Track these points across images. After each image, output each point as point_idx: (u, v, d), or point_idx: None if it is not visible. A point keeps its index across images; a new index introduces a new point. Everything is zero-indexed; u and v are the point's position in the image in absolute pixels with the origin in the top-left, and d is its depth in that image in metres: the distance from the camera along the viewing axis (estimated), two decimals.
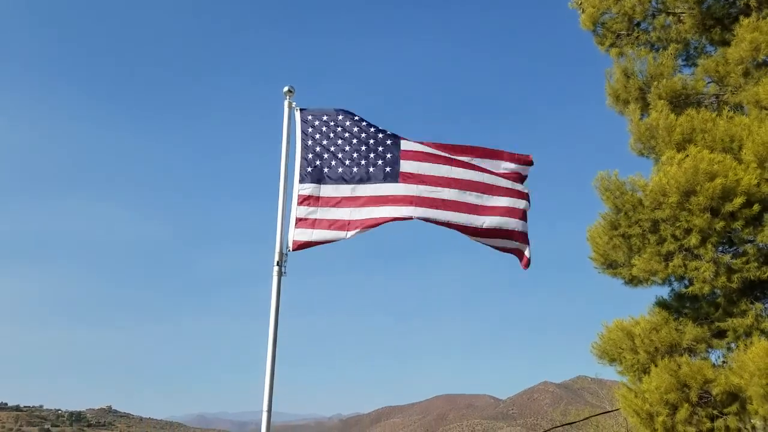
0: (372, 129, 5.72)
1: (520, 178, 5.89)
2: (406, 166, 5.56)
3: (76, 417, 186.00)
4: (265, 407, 4.79)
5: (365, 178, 5.49)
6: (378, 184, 5.47)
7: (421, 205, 5.42)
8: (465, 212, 5.46)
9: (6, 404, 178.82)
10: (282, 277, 5.13)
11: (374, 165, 5.51)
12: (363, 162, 5.53)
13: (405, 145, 5.68)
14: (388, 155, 5.59)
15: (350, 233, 5.30)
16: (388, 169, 5.53)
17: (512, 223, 5.59)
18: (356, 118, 5.74)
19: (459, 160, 5.70)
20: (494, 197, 5.61)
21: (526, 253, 5.66)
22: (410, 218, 5.38)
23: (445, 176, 5.56)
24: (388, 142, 5.67)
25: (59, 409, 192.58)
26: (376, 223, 5.34)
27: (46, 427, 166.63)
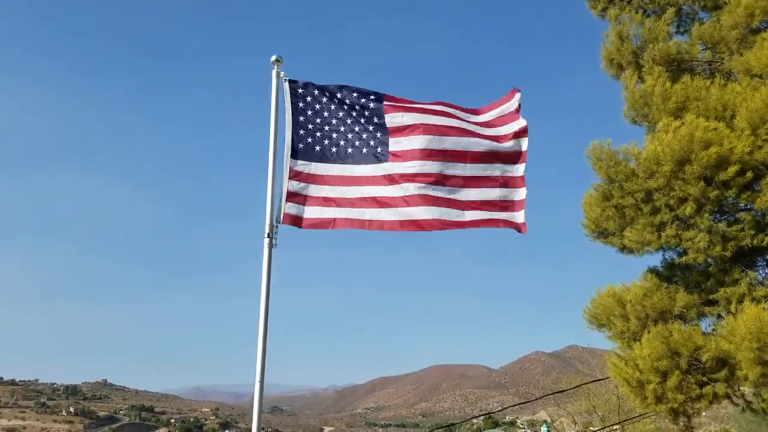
0: (359, 107, 5.70)
1: (510, 118, 5.87)
2: (394, 144, 5.59)
3: (72, 390, 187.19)
4: (257, 378, 4.78)
5: (358, 159, 5.53)
6: (369, 165, 5.52)
7: (411, 202, 5.47)
8: (445, 206, 5.52)
9: (1, 378, 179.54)
10: (273, 249, 5.09)
11: (367, 145, 5.59)
12: (357, 142, 5.60)
13: (390, 119, 5.68)
14: (378, 134, 5.62)
15: (340, 219, 5.36)
16: (379, 149, 5.56)
17: (494, 194, 5.65)
18: (346, 95, 5.71)
19: (438, 110, 5.75)
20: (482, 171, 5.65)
21: (519, 219, 5.65)
22: (398, 228, 5.43)
23: (438, 149, 5.59)
24: (376, 120, 5.68)
25: (55, 383, 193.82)
26: (363, 226, 5.40)
27: (41, 400, 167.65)
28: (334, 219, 5.36)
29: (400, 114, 5.67)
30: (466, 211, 5.52)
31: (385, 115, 5.60)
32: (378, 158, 5.52)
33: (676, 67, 8.86)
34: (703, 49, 8.94)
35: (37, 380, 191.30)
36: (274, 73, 5.49)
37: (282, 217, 5.21)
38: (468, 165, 5.62)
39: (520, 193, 5.69)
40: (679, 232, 7.71)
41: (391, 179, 5.46)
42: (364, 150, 5.55)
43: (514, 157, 5.74)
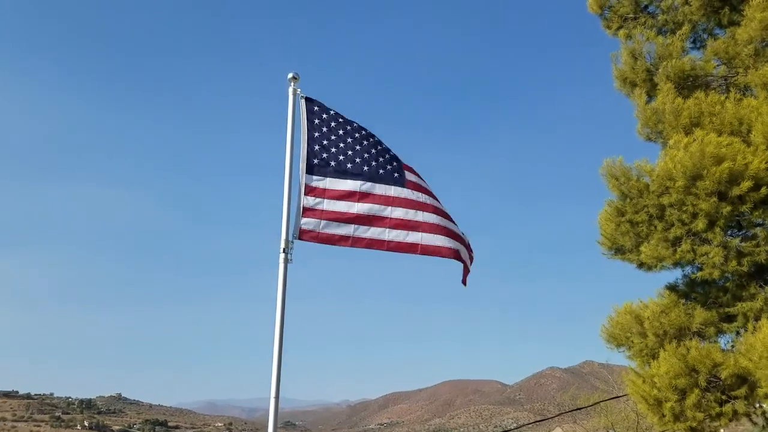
0: (373, 138, 5.96)
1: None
2: (410, 176, 5.89)
3: (87, 404, 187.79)
4: (272, 394, 4.80)
5: (375, 177, 5.67)
6: (387, 186, 5.68)
7: (425, 229, 5.74)
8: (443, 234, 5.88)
9: (17, 392, 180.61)
10: (288, 264, 5.13)
11: (383, 168, 5.72)
12: (374, 163, 5.72)
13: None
14: (394, 162, 5.87)
15: (355, 239, 5.51)
16: (396, 174, 5.77)
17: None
18: (356, 124, 6.00)
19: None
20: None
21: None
22: (414, 251, 5.68)
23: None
24: (391, 152, 5.96)
25: (69, 397, 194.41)
26: (381, 247, 5.58)
27: (56, 414, 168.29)
28: (351, 237, 5.43)
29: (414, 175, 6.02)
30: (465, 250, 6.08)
31: (404, 171, 5.97)
32: (395, 181, 5.69)
33: (691, 84, 8.86)
34: (718, 65, 8.94)
35: (52, 394, 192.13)
36: (290, 90, 5.56)
37: (298, 233, 5.25)
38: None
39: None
40: (694, 247, 7.68)
41: (409, 203, 5.65)
42: (381, 171, 5.69)
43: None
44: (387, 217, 5.54)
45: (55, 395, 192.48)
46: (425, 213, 5.64)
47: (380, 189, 5.60)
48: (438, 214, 5.73)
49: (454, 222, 6.06)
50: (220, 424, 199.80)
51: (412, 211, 5.56)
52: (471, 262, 6.27)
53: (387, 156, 5.76)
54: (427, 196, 5.76)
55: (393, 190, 5.63)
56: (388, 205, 5.56)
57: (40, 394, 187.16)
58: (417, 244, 5.58)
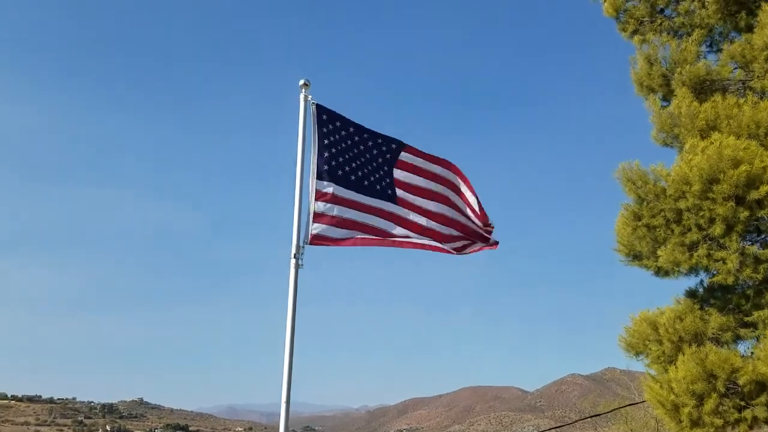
0: (375, 150, 6.12)
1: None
2: (400, 194, 6.12)
3: (109, 409, 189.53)
4: (283, 399, 4.83)
5: (372, 192, 5.89)
6: (382, 201, 5.95)
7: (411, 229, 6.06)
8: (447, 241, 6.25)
9: (40, 397, 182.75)
10: (299, 270, 5.17)
11: (380, 183, 6.03)
12: (372, 178, 5.98)
13: (398, 173, 6.21)
14: (387, 179, 6.09)
15: (363, 239, 5.68)
16: (389, 191, 6.02)
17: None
18: (365, 135, 6.09)
19: (445, 178, 6.38)
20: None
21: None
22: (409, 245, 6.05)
23: (433, 211, 6.26)
24: (386, 168, 6.15)
25: (92, 401, 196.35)
26: (384, 244, 5.78)
27: (79, 419, 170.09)
28: (357, 239, 5.60)
29: (409, 174, 6.21)
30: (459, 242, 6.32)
31: (394, 169, 6.12)
32: (388, 198, 6.00)
33: (707, 88, 8.78)
34: (734, 69, 8.85)
35: (74, 398, 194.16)
36: (302, 96, 5.62)
37: (309, 238, 5.30)
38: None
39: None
40: (711, 252, 7.60)
41: (401, 220, 5.98)
42: (378, 187, 5.91)
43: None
44: (386, 231, 5.87)
45: (77, 400, 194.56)
46: (413, 233, 6.01)
47: (377, 203, 5.86)
48: (428, 235, 6.04)
49: (460, 221, 6.31)
50: (239, 429, 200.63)
51: (401, 229, 5.99)
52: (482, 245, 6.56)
53: (381, 173, 5.99)
54: (416, 215, 6.04)
55: (387, 206, 5.94)
56: (385, 219, 5.88)
57: (62, 399, 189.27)
58: (419, 243, 6.01)
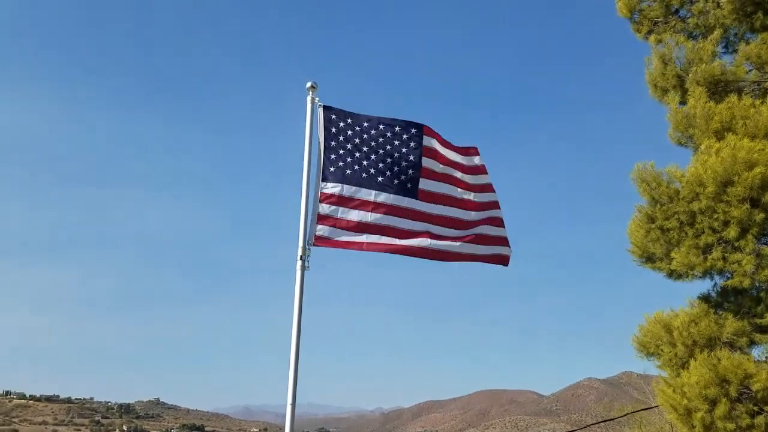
0: (396, 141, 5.89)
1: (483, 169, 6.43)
2: (424, 184, 5.85)
3: (126, 409, 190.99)
4: (289, 401, 4.82)
5: (388, 188, 5.71)
6: (399, 197, 5.71)
7: (433, 237, 5.76)
8: (467, 241, 5.96)
9: (58, 396, 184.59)
10: (305, 271, 5.17)
11: (398, 177, 5.74)
12: (388, 173, 5.76)
13: (426, 162, 5.97)
14: (410, 171, 5.83)
15: (369, 243, 5.53)
16: (409, 185, 5.78)
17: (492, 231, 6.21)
18: (381, 126, 5.87)
19: (466, 183, 6.18)
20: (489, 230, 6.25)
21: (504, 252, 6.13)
22: (422, 254, 5.68)
23: (456, 197, 6.04)
24: (411, 157, 5.88)
25: (109, 402, 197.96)
26: (391, 250, 5.61)
27: (96, 419, 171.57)
28: (364, 243, 5.47)
29: (434, 161, 6.01)
30: (480, 245, 6.02)
31: (421, 179, 5.87)
32: (407, 192, 5.69)
33: (723, 88, 8.68)
34: (750, 69, 8.74)
35: (92, 398, 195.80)
36: (309, 98, 5.61)
37: (313, 240, 5.29)
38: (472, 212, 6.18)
39: (502, 231, 6.32)
40: (725, 255, 7.50)
41: (419, 215, 5.70)
42: (395, 181, 5.71)
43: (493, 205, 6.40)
44: (398, 228, 5.59)
45: (95, 400, 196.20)
46: (435, 226, 5.72)
47: (391, 199, 5.63)
48: (450, 226, 5.78)
49: (481, 221, 6.15)
50: (255, 430, 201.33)
51: (420, 224, 5.64)
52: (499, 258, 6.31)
53: (402, 164, 5.75)
54: (441, 206, 5.79)
55: (401, 200, 5.68)
56: (399, 216, 5.62)
57: (80, 399, 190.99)
58: (427, 249, 5.65)
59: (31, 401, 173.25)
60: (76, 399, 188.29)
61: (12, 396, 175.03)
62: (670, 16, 9.92)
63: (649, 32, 10.05)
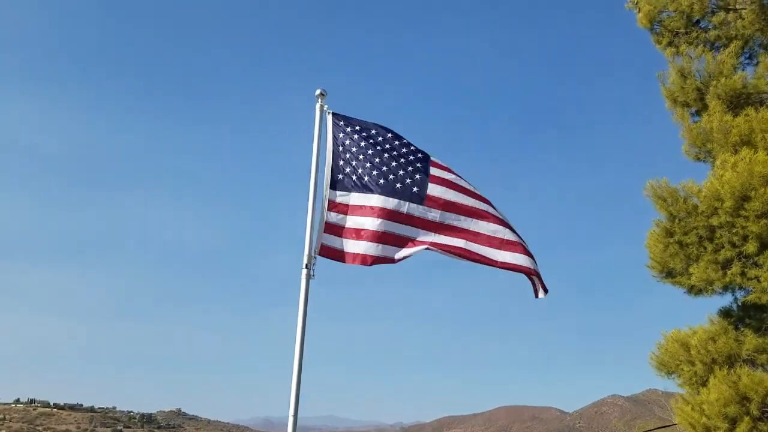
0: (404, 149, 5.76)
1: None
2: (433, 189, 5.60)
3: (147, 419, 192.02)
4: (291, 412, 4.75)
5: (392, 192, 5.52)
6: (404, 201, 5.50)
7: (441, 232, 5.48)
8: (483, 244, 5.49)
9: (81, 405, 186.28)
10: (310, 280, 5.13)
11: (402, 182, 5.57)
12: (391, 176, 5.58)
13: (434, 171, 5.73)
14: (417, 176, 5.63)
15: (374, 259, 5.34)
16: (415, 189, 5.57)
17: (527, 261, 5.53)
18: (389, 135, 5.79)
19: (483, 197, 5.76)
20: (510, 236, 5.62)
21: (539, 285, 5.59)
22: (428, 247, 5.43)
23: (470, 206, 5.62)
24: (419, 165, 5.71)
25: (131, 411, 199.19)
26: (397, 258, 5.39)
27: (118, 428, 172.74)
28: (371, 256, 5.31)
29: (445, 172, 5.73)
30: (501, 251, 5.49)
31: (429, 184, 5.62)
32: (414, 197, 5.50)
33: (744, 102, 8.51)
34: None
35: (114, 408, 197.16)
36: (317, 106, 5.60)
37: (319, 249, 5.23)
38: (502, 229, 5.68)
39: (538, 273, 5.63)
40: (745, 270, 7.33)
41: (425, 223, 5.47)
42: (398, 185, 5.52)
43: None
44: (403, 236, 5.41)
45: (117, 409, 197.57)
46: (438, 234, 5.46)
47: (395, 204, 5.45)
48: (456, 234, 5.50)
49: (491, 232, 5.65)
50: None
51: (424, 232, 5.42)
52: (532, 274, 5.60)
53: (408, 169, 5.61)
54: (448, 213, 5.55)
55: (407, 207, 5.47)
56: (403, 223, 5.43)
57: (103, 408, 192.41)
58: (438, 244, 5.41)
59: (54, 409, 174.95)
60: (98, 408, 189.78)
61: (36, 404, 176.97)
62: (691, 28, 9.78)
63: (669, 44, 9.91)
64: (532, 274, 5.53)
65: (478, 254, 5.44)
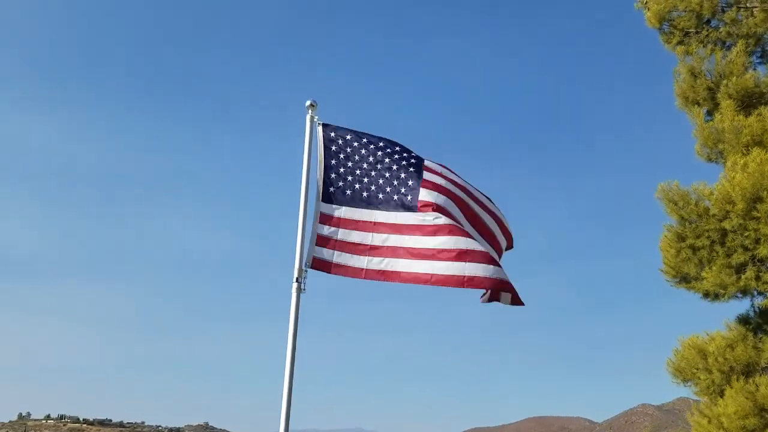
0: (396, 155, 5.70)
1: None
2: (425, 195, 5.51)
3: None
4: (282, 428, 4.66)
5: (388, 205, 5.48)
6: (397, 212, 5.45)
7: (440, 233, 5.38)
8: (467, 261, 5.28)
9: (110, 420, 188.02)
10: (301, 294, 5.03)
11: (397, 192, 5.50)
12: (388, 189, 5.54)
13: (427, 175, 5.66)
14: (410, 182, 5.58)
15: (368, 272, 5.26)
16: (409, 197, 5.50)
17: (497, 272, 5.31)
18: (381, 143, 5.73)
19: (478, 198, 5.84)
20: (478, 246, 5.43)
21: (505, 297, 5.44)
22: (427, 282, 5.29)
23: (459, 210, 5.63)
24: (411, 169, 5.65)
25: (159, 426, 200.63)
26: (393, 279, 5.29)
27: None
28: (364, 269, 5.23)
29: (437, 177, 5.67)
30: (491, 266, 5.28)
31: (420, 189, 5.54)
32: (407, 207, 5.42)
33: (756, 101, 8.30)
34: None
35: (143, 422, 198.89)
36: (308, 117, 5.53)
37: (311, 262, 5.15)
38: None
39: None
40: (759, 274, 7.10)
41: (422, 229, 5.34)
42: (395, 197, 5.46)
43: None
44: (399, 247, 5.29)
45: (145, 423, 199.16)
46: (439, 237, 5.29)
47: (391, 217, 5.38)
48: (456, 234, 5.32)
49: (490, 231, 5.81)
50: None
51: (424, 238, 5.27)
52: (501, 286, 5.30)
53: (401, 177, 5.53)
54: (445, 218, 5.39)
55: (402, 217, 5.36)
56: (398, 234, 5.33)
57: (131, 423, 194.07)
58: (430, 275, 5.18)
59: (84, 425, 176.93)
60: (127, 423, 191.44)
61: (66, 420, 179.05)
62: (702, 26, 9.58)
63: (679, 43, 9.72)
64: (498, 287, 5.29)
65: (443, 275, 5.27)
